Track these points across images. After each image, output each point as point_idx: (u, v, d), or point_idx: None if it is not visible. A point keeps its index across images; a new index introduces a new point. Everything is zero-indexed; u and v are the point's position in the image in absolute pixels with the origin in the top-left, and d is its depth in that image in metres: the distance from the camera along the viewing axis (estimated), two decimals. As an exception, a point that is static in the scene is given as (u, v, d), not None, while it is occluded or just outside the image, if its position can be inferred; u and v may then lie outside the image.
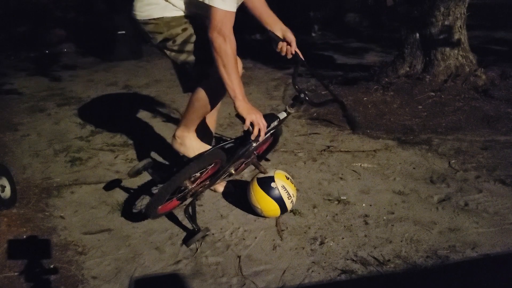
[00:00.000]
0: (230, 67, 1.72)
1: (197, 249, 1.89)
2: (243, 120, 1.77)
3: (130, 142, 3.04)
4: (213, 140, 2.40)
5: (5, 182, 2.22)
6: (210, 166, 1.95)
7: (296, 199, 2.10)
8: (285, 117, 2.02)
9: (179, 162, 2.51)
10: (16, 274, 1.75)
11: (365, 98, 3.75)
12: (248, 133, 1.80)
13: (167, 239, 1.98)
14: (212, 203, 2.25)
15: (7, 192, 2.21)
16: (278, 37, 2.00)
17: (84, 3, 6.67)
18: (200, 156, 1.94)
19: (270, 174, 2.06)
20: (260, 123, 1.78)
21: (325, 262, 1.79)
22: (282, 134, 2.38)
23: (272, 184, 2.01)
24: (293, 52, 2.03)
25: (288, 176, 2.10)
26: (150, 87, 4.47)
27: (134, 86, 4.53)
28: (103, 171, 2.64)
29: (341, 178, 2.48)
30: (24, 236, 1.99)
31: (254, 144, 1.92)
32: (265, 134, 1.85)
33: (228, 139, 2.95)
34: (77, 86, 4.57)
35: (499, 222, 2.01)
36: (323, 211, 2.16)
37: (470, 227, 1.99)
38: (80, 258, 1.85)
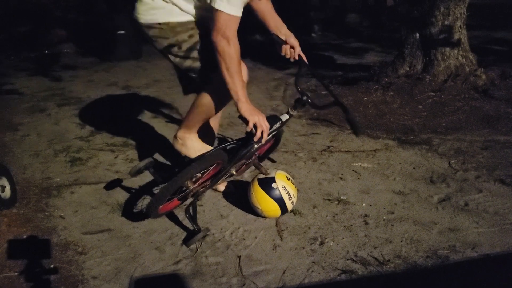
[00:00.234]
0: (234, 70, 1.72)
1: (197, 249, 1.89)
2: (246, 121, 1.78)
3: (130, 142, 3.04)
4: (216, 140, 2.40)
5: (5, 182, 2.22)
6: (212, 167, 1.95)
7: (296, 199, 2.10)
8: (288, 119, 2.04)
9: (181, 162, 2.51)
10: (16, 274, 1.75)
11: (365, 98, 3.75)
12: (250, 134, 1.81)
13: (167, 239, 1.98)
14: (212, 203, 2.25)
15: (7, 192, 2.21)
16: (282, 40, 2.01)
17: (84, 3, 6.67)
18: (202, 156, 1.94)
19: (271, 174, 2.06)
20: (263, 125, 1.79)
21: (325, 262, 1.79)
22: (283, 134, 2.39)
23: (273, 185, 2.01)
24: (297, 57, 2.04)
25: (289, 176, 2.10)
26: (150, 87, 4.47)
27: (134, 86, 4.53)
28: (103, 171, 2.64)
29: (341, 178, 2.48)
30: (24, 236, 1.99)
31: (256, 146, 1.92)
32: (268, 135, 1.86)
33: (230, 139, 2.95)
34: (77, 86, 4.57)
35: (499, 222, 2.01)
36: (323, 211, 2.16)
37: (470, 227, 1.99)
38: (80, 258, 1.85)
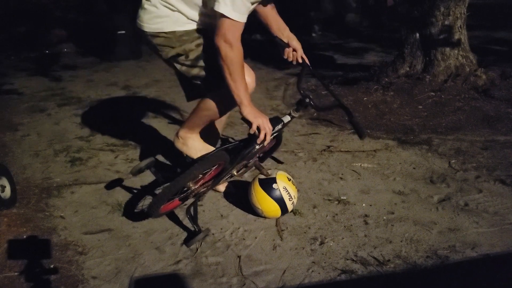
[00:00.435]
0: (236, 74, 1.72)
1: (197, 249, 1.89)
2: (249, 124, 1.79)
3: (130, 142, 3.04)
4: (219, 141, 2.40)
5: (5, 182, 2.22)
6: (214, 167, 1.95)
7: (297, 199, 2.10)
8: (289, 121, 2.05)
9: (181, 162, 2.51)
10: (16, 274, 1.75)
11: (365, 98, 3.75)
12: (253, 136, 1.82)
13: (167, 239, 1.98)
14: (213, 203, 2.25)
15: (7, 192, 2.21)
16: (284, 43, 2.02)
17: (84, 3, 6.67)
18: (204, 157, 1.95)
19: (272, 175, 2.06)
20: (266, 127, 1.80)
21: (325, 262, 1.79)
22: (283, 134, 2.40)
23: (274, 185, 2.01)
24: (300, 60, 2.04)
25: (289, 177, 2.10)
26: (150, 87, 4.47)
27: (134, 86, 4.53)
28: (103, 171, 2.64)
29: (341, 178, 2.48)
30: (24, 236, 1.99)
31: (258, 147, 1.93)
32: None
33: (231, 139, 2.96)
34: (77, 86, 4.57)
35: (499, 222, 2.01)
36: (323, 211, 2.16)
37: (470, 227, 1.99)
38: (80, 258, 1.85)
